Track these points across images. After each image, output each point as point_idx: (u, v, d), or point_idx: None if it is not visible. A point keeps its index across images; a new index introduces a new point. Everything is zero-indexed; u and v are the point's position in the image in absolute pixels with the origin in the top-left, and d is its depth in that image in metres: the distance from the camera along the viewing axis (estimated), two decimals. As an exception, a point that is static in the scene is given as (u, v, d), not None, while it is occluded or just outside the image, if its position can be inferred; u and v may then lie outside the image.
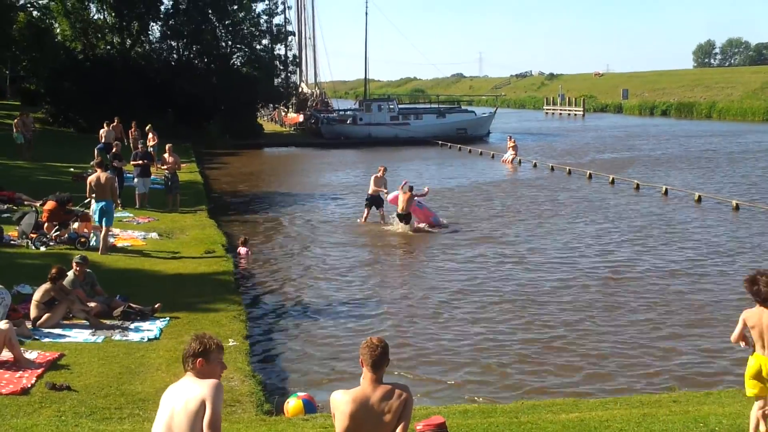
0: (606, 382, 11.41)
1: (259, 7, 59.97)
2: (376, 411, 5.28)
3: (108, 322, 12.29)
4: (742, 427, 7.65)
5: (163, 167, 25.08)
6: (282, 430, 7.98)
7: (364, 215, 24.24)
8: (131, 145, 33.19)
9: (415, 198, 22.76)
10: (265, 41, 57.56)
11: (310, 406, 9.44)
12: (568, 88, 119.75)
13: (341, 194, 31.23)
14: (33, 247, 17.07)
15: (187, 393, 5.09)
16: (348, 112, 62.34)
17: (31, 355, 10.44)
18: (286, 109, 68.77)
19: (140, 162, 24.01)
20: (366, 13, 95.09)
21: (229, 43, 56.12)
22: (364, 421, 5.27)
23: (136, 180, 24.11)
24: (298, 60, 65.38)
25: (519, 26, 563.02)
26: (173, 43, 55.86)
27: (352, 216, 25.73)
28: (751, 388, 7.34)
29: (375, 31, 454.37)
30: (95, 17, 53.65)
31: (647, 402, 9.52)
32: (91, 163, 22.14)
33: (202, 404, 5.04)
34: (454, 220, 24.59)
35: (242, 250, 19.36)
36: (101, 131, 33.76)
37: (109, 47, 52.35)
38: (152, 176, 25.58)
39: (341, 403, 5.31)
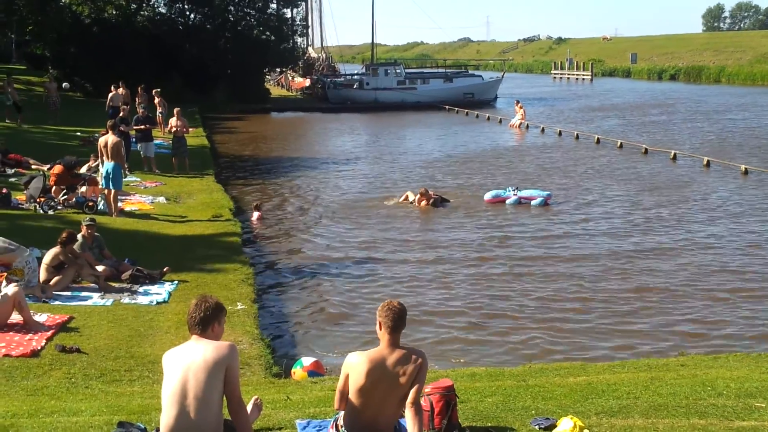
0: (614, 346, 11.43)
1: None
2: (391, 373, 5.33)
3: (117, 285, 12.34)
4: (750, 391, 7.65)
5: (170, 131, 24.99)
6: (291, 392, 8.02)
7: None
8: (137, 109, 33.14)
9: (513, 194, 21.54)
10: (273, 5, 57.10)
11: (315, 377, 9.46)
12: (576, 52, 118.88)
13: (348, 159, 31.13)
14: (41, 211, 17.09)
15: (205, 354, 5.11)
16: (354, 77, 62.01)
17: (40, 318, 10.49)
18: (293, 74, 68.40)
19: (142, 126, 23.95)
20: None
21: (239, 6, 55.61)
22: (379, 382, 5.32)
23: (139, 145, 24.07)
24: (305, 24, 64.90)
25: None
26: (181, 6, 55.45)
27: (360, 181, 25.70)
28: None
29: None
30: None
31: (655, 366, 9.52)
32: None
33: (223, 365, 5.08)
34: (462, 187, 24.54)
35: (255, 214, 19.45)
36: (110, 95, 33.66)
37: (116, 11, 51.95)
38: (157, 140, 25.49)
39: (358, 363, 5.36)
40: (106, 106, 32.55)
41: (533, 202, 21.22)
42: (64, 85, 38.89)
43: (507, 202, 21.35)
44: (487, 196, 21.81)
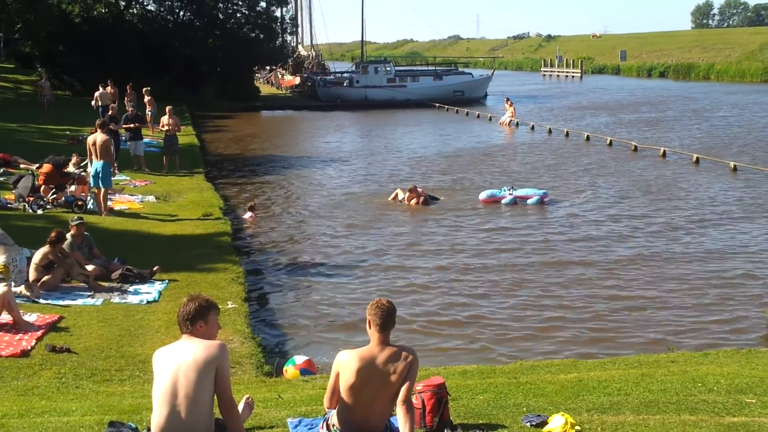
0: (604, 344, 11.45)
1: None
2: (381, 371, 5.34)
3: (107, 284, 12.29)
4: (740, 387, 7.67)
5: (162, 129, 24.91)
6: (282, 391, 8.01)
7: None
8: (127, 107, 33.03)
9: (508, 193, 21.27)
10: (262, 3, 56.99)
11: (307, 375, 9.45)
12: (565, 49, 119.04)
13: (338, 157, 31.09)
14: (30, 211, 17.01)
15: (195, 353, 5.09)
16: (344, 75, 61.94)
17: (30, 317, 10.44)
18: (282, 72, 68.32)
19: (131, 125, 23.89)
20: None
21: (228, 4, 55.42)
22: (370, 380, 5.33)
23: (128, 144, 24.04)
24: (295, 22, 64.81)
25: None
26: (170, 4, 55.21)
27: (350, 179, 25.69)
28: None
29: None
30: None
31: (645, 362, 9.54)
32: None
33: (213, 365, 5.07)
34: (452, 185, 24.54)
35: (248, 214, 19.42)
36: (96, 93, 33.52)
37: (105, 10, 51.70)
38: (146, 139, 25.41)
39: (348, 361, 5.37)
40: (94, 105, 32.42)
41: (529, 201, 21.00)
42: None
43: (502, 201, 21.11)
44: (482, 195, 21.54)
